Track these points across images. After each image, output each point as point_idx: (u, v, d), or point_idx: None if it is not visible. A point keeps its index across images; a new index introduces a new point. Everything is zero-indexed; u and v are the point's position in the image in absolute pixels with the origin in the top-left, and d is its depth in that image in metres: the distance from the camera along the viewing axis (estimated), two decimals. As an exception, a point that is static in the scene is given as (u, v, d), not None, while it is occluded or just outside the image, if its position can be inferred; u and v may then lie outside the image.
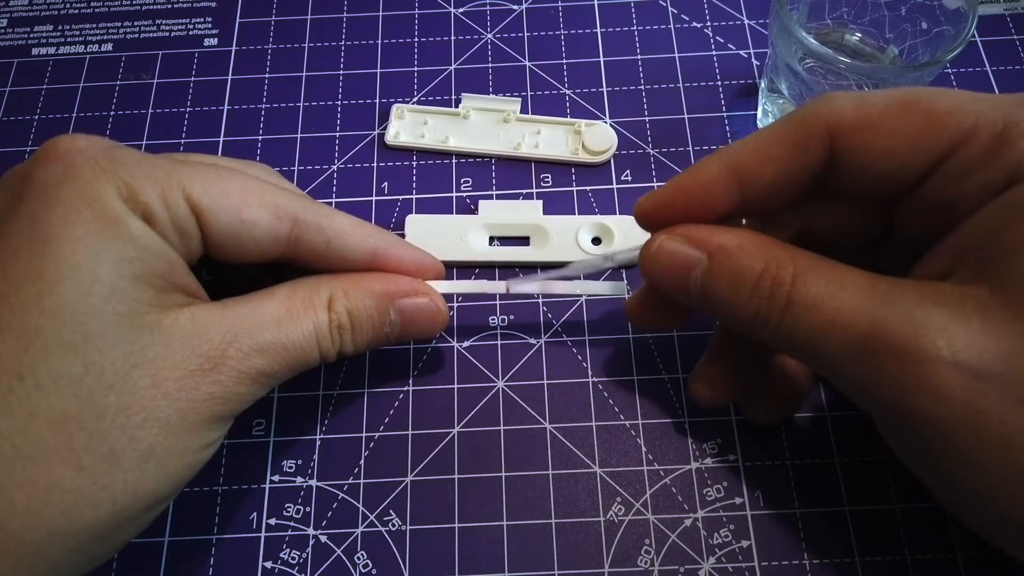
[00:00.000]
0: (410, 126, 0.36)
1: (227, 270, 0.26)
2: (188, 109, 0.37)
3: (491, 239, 0.33)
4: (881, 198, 0.23)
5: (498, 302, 0.32)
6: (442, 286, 0.28)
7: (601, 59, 0.38)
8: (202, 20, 0.40)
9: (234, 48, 0.39)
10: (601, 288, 0.30)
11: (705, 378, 0.27)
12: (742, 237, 0.23)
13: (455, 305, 0.32)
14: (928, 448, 0.20)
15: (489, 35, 0.39)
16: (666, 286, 0.24)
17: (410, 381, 0.31)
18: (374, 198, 0.35)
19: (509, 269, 0.33)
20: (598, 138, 0.35)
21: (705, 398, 0.28)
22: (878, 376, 0.20)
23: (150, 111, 0.37)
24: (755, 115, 0.36)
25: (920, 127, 0.21)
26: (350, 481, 0.29)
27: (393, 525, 0.28)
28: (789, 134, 0.23)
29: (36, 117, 0.37)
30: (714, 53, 0.38)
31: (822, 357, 0.21)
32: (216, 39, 0.39)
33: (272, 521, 0.28)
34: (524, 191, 0.35)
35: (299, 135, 0.36)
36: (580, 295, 0.32)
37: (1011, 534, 0.20)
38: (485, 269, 0.33)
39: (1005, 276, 0.19)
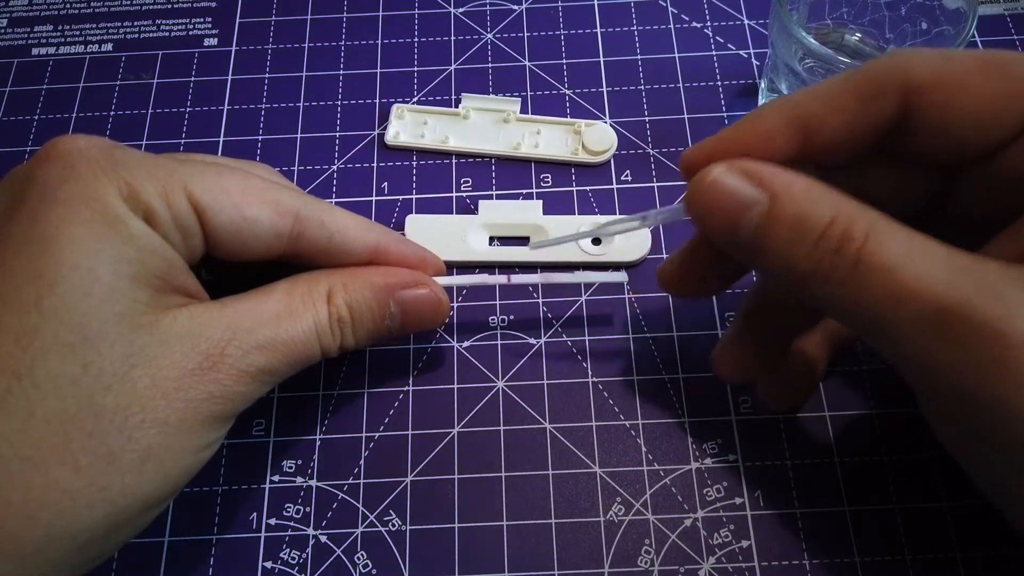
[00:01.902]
0: (410, 126, 0.36)
1: (228, 269, 0.26)
2: (188, 109, 0.37)
3: (491, 239, 0.33)
4: (948, 164, 0.22)
5: (498, 302, 0.32)
6: (442, 280, 0.28)
7: (601, 59, 0.38)
8: (202, 20, 0.40)
9: (234, 48, 0.39)
10: (603, 276, 0.30)
11: (728, 354, 0.27)
12: (810, 182, 0.21)
13: (455, 305, 0.32)
14: (997, 438, 0.19)
15: (489, 35, 0.39)
16: (713, 227, 0.22)
17: (410, 381, 0.31)
18: (374, 198, 0.35)
19: (509, 269, 0.33)
20: (598, 138, 0.35)
21: (728, 373, 0.27)
22: (953, 355, 0.18)
23: (150, 111, 0.37)
24: (755, 115, 0.36)
25: (1005, 90, 0.20)
26: (350, 481, 0.29)
27: (393, 525, 0.28)
28: (860, 85, 0.21)
29: (36, 117, 0.37)
30: (714, 53, 0.38)
31: (886, 327, 0.19)
32: (216, 39, 0.39)
33: (272, 521, 0.28)
34: (524, 191, 0.35)
35: (299, 135, 0.36)
36: (580, 282, 0.31)
37: None
38: (485, 269, 0.33)
39: None
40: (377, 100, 0.37)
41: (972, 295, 0.18)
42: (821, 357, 0.28)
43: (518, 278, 0.29)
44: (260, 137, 0.36)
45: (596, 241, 0.33)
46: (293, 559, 0.28)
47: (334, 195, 0.35)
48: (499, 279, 0.29)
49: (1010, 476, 0.19)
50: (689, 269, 0.26)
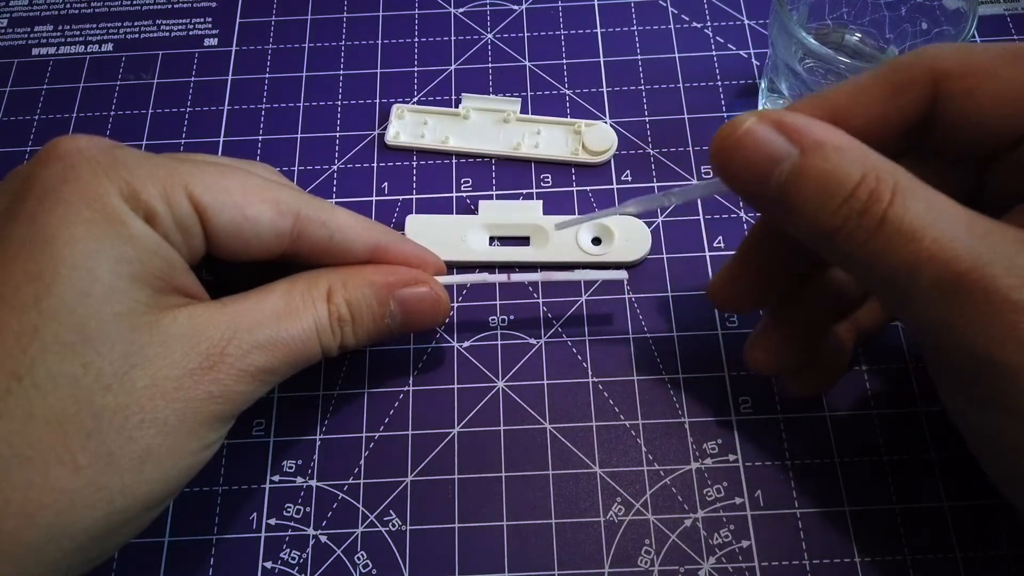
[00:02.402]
0: (410, 126, 0.36)
1: (228, 269, 0.26)
2: (188, 109, 0.37)
3: (491, 239, 0.33)
4: (978, 154, 0.22)
5: (498, 302, 0.32)
6: (442, 279, 0.28)
7: (601, 59, 0.38)
8: (202, 20, 0.40)
9: (234, 48, 0.39)
10: (603, 274, 0.30)
11: (763, 344, 0.26)
12: (842, 137, 0.20)
13: (455, 305, 0.32)
14: (1004, 403, 0.19)
15: (489, 35, 0.39)
16: (740, 179, 0.21)
17: (410, 381, 0.31)
18: (374, 198, 0.35)
19: (509, 269, 0.33)
20: (598, 138, 0.35)
21: (762, 365, 0.27)
22: (966, 320, 0.19)
23: (150, 111, 0.37)
24: (755, 115, 0.36)
25: None
26: (350, 481, 0.29)
27: (393, 525, 0.28)
28: (888, 77, 0.21)
29: (36, 117, 0.37)
30: (714, 53, 0.38)
31: (904, 288, 0.19)
32: (216, 39, 0.39)
33: (272, 521, 0.28)
34: (524, 191, 0.35)
35: (299, 135, 0.36)
36: (580, 280, 0.31)
37: None
38: (485, 269, 0.33)
39: None
40: (377, 100, 0.37)
41: (989, 262, 0.18)
42: (849, 343, 0.28)
43: (518, 276, 0.29)
44: (260, 137, 0.36)
45: (596, 241, 0.33)
46: (293, 559, 0.28)
47: (334, 195, 0.35)
48: (499, 277, 0.29)
49: (1012, 447, 0.20)
50: (740, 282, 0.26)
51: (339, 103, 0.37)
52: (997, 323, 0.18)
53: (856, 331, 0.28)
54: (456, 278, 0.29)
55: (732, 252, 0.32)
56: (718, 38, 0.38)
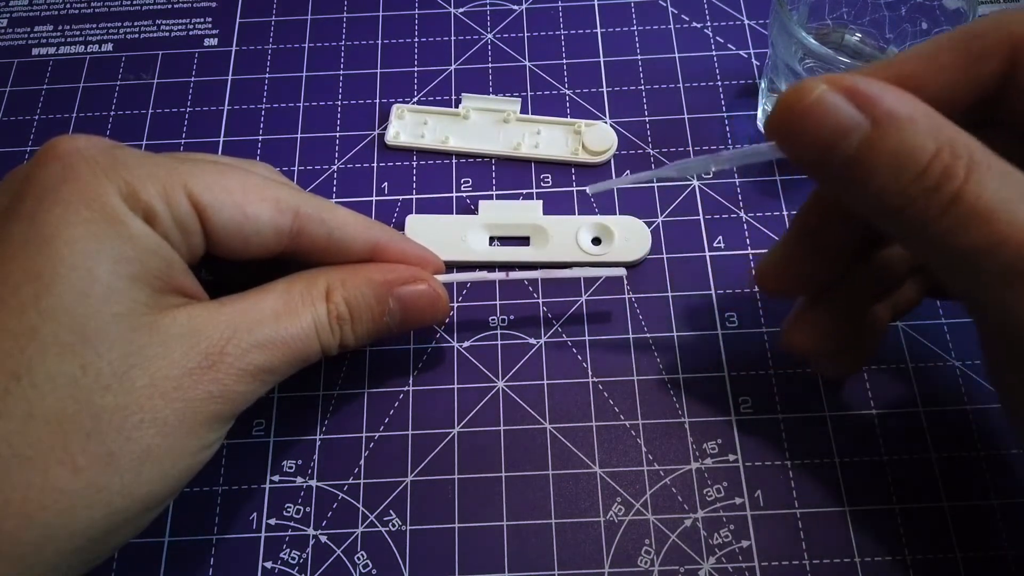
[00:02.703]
0: (410, 126, 0.36)
1: (228, 269, 0.26)
2: (188, 109, 0.37)
3: (491, 239, 0.33)
4: None
5: (498, 302, 0.32)
6: (441, 277, 0.28)
7: (601, 59, 0.38)
8: (202, 20, 0.40)
9: (234, 48, 0.39)
10: (601, 271, 0.30)
11: (803, 326, 0.25)
12: (916, 107, 0.19)
13: (455, 305, 0.32)
14: None
15: (489, 35, 0.39)
16: (804, 149, 0.20)
17: (410, 381, 0.31)
18: (374, 198, 0.35)
19: (509, 269, 0.33)
20: (598, 138, 0.35)
21: (801, 346, 0.25)
22: None
23: (150, 111, 0.37)
24: (755, 115, 0.36)
25: None
26: (350, 481, 0.29)
27: (393, 525, 0.28)
28: (964, 42, 0.20)
29: (36, 117, 0.37)
30: (714, 53, 0.38)
31: (973, 270, 0.19)
32: (216, 39, 0.39)
33: (272, 521, 0.28)
34: (524, 191, 0.35)
35: (299, 135, 0.36)
36: (579, 277, 0.31)
37: None
38: (485, 269, 0.33)
39: None
40: (377, 100, 0.37)
41: None
42: (886, 322, 0.27)
43: (516, 274, 0.29)
44: (260, 137, 0.36)
45: (596, 241, 0.33)
46: (293, 559, 0.28)
47: (334, 195, 0.35)
48: (498, 275, 0.29)
49: None
50: (791, 265, 0.25)
51: (339, 103, 0.37)
52: None
53: (892, 309, 0.27)
54: (455, 276, 0.29)
55: (732, 252, 0.32)
56: (718, 38, 0.38)
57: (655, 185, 0.34)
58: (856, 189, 0.20)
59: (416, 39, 0.39)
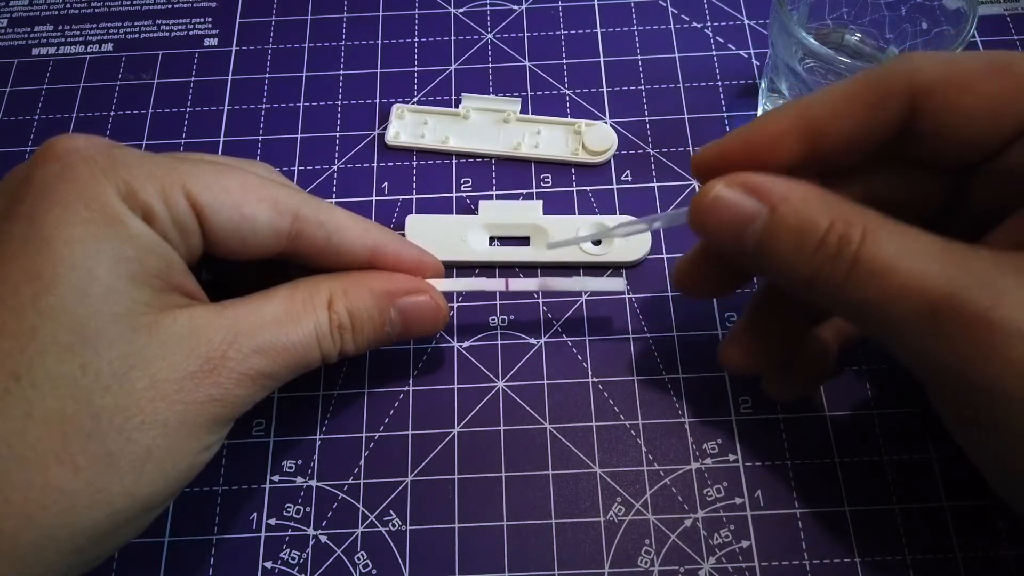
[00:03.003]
0: (410, 126, 0.36)
1: (227, 269, 0.26)
2: (188, 109, 0.37)
3: (491, 239, 0.33)
4: (957, 165, 0.22)
5: (498, 302, 0.32)
6: (441, 284, 0.28)
7: (601, 59, 0.38)
8: (202, 20, 0.40)
9: (234, 48, 0.39)
10: (600, 285, 0.30)
11: (738, 343, 0.26)
12: (807, 189, 0.21)
13: (455, 305, 0.32)
14: (991, 422, 0.19)
15: (489, 35, 0.39)
16: (719, 240, 0.23)
17: (410, 381, 0.31)
18: (374, 198, 0.35)
19: (509, 269, 0.33)
20: (598, 138, 0.35)
21: (736, 364, 0.27)
22: (947, 345, 0.19)
23: (150, 111, 0.37)
24: (755, 115, 0.36)
25: (1008, 91, 0.20)
26: (350, 481, 0.29)
27: (393, 525, 0.28)
28: (868, 89, 0.21)
29: (36, 117, 0.37)
30: (714, 53, 0.38)
31: (886, 322, 0.20)
32: (216, 39, 0.39)
33: (272, 521, 0.28)
34: (524, 191, 0.35)
35: (299, 135, 0.36)
36: (580, 292, 0.32)
37: None
38: (485, 269, 0.33)
39: None
40: (377, 100, 0.37)
41: (963, 287, 0.19)
42: (832, 349, 0.28)
43: (516, 284, 0.29)
44: (260, 137, 0.36)
45: (597, 241, 0.33)
46: (293, 559, 0.28)
47: (334, 195, 0.35)
48: (497, 284, 0.29)
49: (1005, 460, 0.20)
50: (699, 270, 0.26)
51: (339, 103, 0.37)
52: (977, 347, 0.19)
53: (841, 336, 0.28)
54: (455, 285, 0.29)
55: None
56: (718, 38, 0.38)
57: (655, 185, 0.34)
58: (771, 267, 0.22)
59: (416, 39, 0.39)
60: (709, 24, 0.39)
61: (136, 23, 0.40)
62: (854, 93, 0.22)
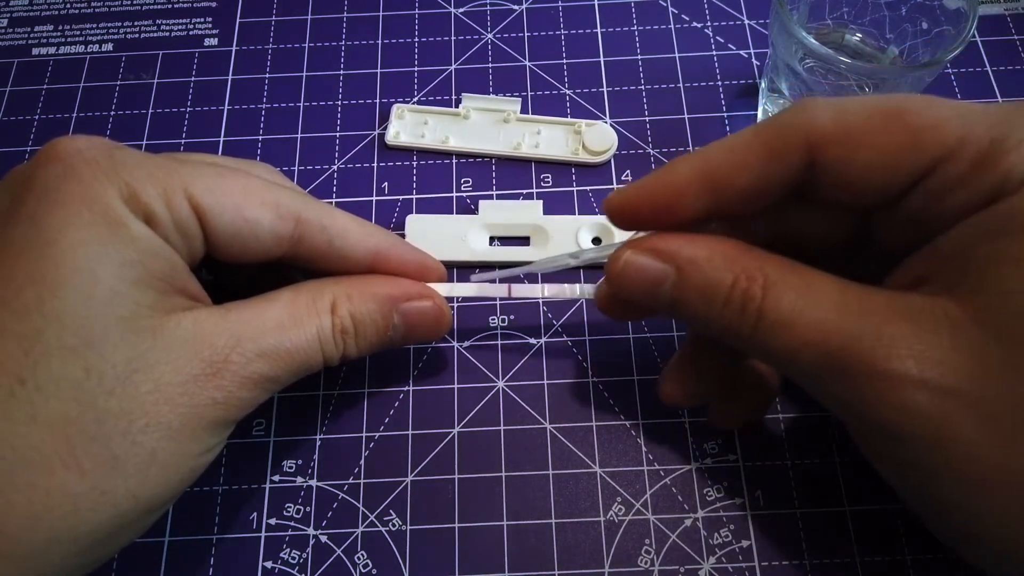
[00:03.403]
0: (410, 126, 0.36)
1: (229, 270, 0.26)
2: (188, 109, 0.37)
3: (491, 239, 0.33)
4: (859, 210, 0.23)
5: (498, 302, 0.32)
6: (443, 288, 0.28)
7: (601, 59, 0.38)
8: (202, 20, 0.40)
9: (234, 48, 0.39)
10: (571, 291, 0.30)
11: (675, 379, 0.27)
12: (711, 247, 0.22)
13: (455, 306, 0.32)
14: (897, 459, 0.20)
15: (489, 35, 0.39)
16: (636, 299, 0.24)
17: (410, 381, 0.31)
18: (374, 198, 0.35)
19: (511, 271, 0.33)
20: (598, 138, 0.35)
21: (675, 399, 0.27)
22: (847, 391, 0.20)
23: (150, 111, 0.37)
24: (755, 115, 0.36)
25: (902, 142, 0.20)
26: (350, 481, 0.29)
27: (393, 525, 0.28)
28: (765, 142, 0.22)
29: (36, 117, 0.37)
30: (714, 53, 0.38)
31: (793, 369, 0.21)
32: (216, 39, 0.39)
33: (272, 521, 0.28)
34: (524, 191, 0.35)
35: (299, 135, 0.36)
36: (579, 298, 0.31)
37: (974, 545, 0.20)
38: (485, 269, 0.33)
39: (978, 290, 0.19)
40: (377, 100, 0.37)
41: (856, 335, 0.20)
42: (773, 374, 0.28)
43: (518, 289, 0.29)
44: (260, 137, 0.36)
45: (596, 241, 0.33)
46: (293, 559, 0.28)
47: (334, 195, 0.35)
48: (499, 290, 0.29)
49: (916, 493, 0.21)
50: (619, 304, 0.27)
51: (339, 103, 0.37)
52: (873, 393, 0.19)
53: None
54: (458, 289, 0.29)
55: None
56: (718, 38, 0.38)
57: (655, 185, 0.34)
58: (686, 319, 0.24)
59: (416, 39, 0.39)
60: (709, 24, 0.39)
61: (136, 23, 0.40)
62: (753, 146, 0.22)
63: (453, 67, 0.38)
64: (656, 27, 0.39)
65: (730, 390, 0.28)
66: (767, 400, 0.29)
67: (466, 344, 0.31)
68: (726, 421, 0.28)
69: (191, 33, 0.40)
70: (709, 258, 0.22)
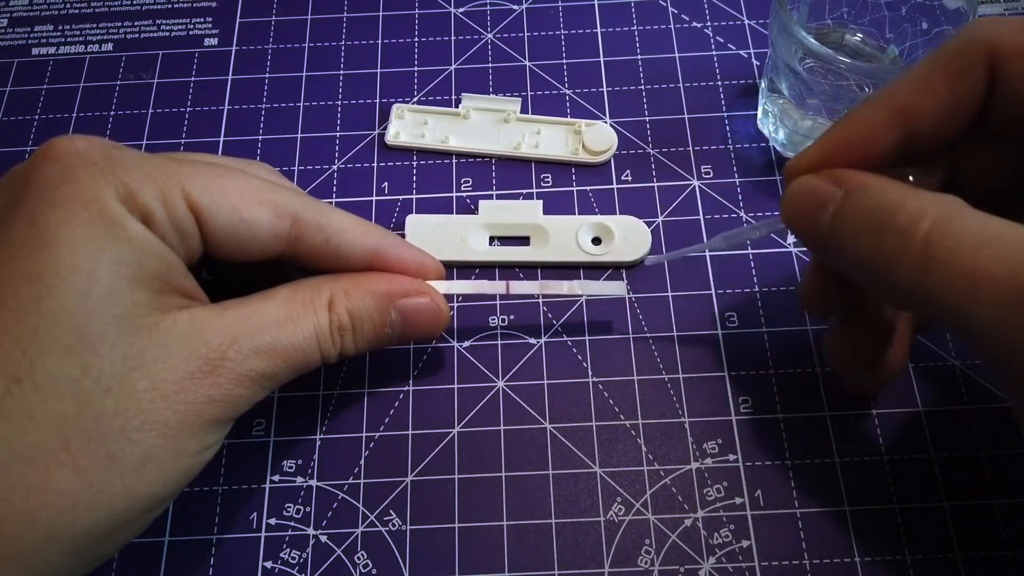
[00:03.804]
0: (410, 126, 0.36)
1: (227, 269, 0.26)
2: (188, 109, 0.37)
3: (491, 239, 0.33)
4: None
5: (498, 302, 0.32)
6: (442, 286, 0.28)
7: (601, 59, 0.38)
8: (202, 20, 0.40)
9: (234, 48, 0.39)
10: (602, 288, 0.30)
11: (837, 340, 0.26)
12: (885, 178, 0.21)
13: (455, 305, 0.32)
14: None
15: (489, 35, 0.39)
16: (798, 226, 0.23)
17: (410, 381, 0.31)
18: (374, 198, 0.35)
19: (509, 269, 0.33)
20: (598, 138, 0.35)
21: (838, 361, 0.27)
22: None
23: (150, 111, 0.37)
24: (755, 115, 0.36)
25: None
26: (350, 481, 0.29)
27: (393, 525, 0.28)
28: (949, 63, 0.21)
29: (36, 117, 0.37)
30: (714, 53, 0.38)
31: (965, 313, 0.19)
32: (216, 39, 0.39)
33: (272, 521, 0.28)
34: (524, 191, 0.35)
35: (299, 135, 0.36)
36: (580, 295, 0.32)
37: None
38: (485, 269, 0.33)
39: None
40: (377, 100, 0.37)
41: None
42: (908, 335, 0.27)
43: (517, 287, 0.29)
44: (260, 137, 0.36)
45: (596, 241, 0.33)
46: (293, 559, 0.28)
47: (334, 195, 0.35)
48: (498, 288, 0.29)
49: None
50: (819, 288, 0.26)
51: (339, 103, 0.37)
52: None
53: (915, 322, 0.28)
54: (455, 287, 0.29)
55: (732, 252, 0.32)
56: (718, 38, 0.38)
57: (655, 185, 0.34)
58: (842, 253, 0.22)
59: (416, 39, 0.39)
60: (709, 24, 0.39)
61: (136, 23, 0.40)
62: (937, 68, 0.22)
63: (453, 67, 0.38)
64: (656, 27, 0.39)
65: (850, 319, 0.26)
66: (900, 364, 0.27)
67: (466, 344, 0.31)
68: (866, 386, 0.28)
69: (191, 33, 0.40)
70: (880, 183, 0.21)
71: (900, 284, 0.20)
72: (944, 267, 0.19)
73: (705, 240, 0.29)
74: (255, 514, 0.29)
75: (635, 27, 0.39)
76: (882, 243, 0.20)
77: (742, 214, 0.33)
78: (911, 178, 0.23)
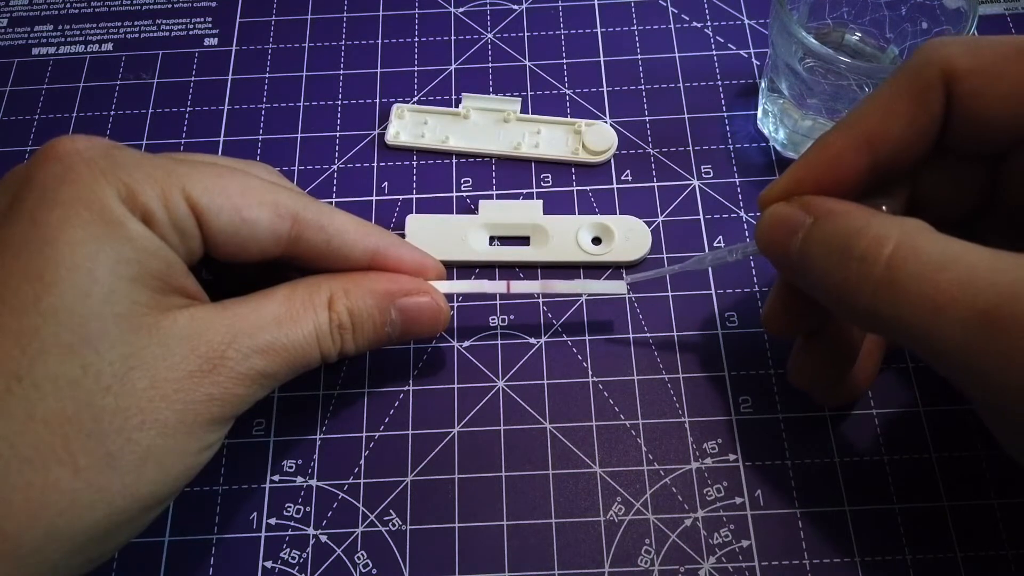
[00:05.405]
0: (410, 126, 0.36)
1: (228, 270, 0.26)
2: (188, 109, 0.37)
3: (491, 239, 0.33)
4: (992, 152, 0.22)
5: (498, 302, 0.32)
6: (442, 286, 0.28)
7: (601, 59, 0.38)
8: (202, 20, 0.40)
9: (234, 48, 0.39)
10: (602, 288, 0.30)
11: (801, 361, 0.27)
12: (852, 204, 0.22)
13: (455, 305, 0.32)
14: None
15: (489, 35, 0.39)
16: (771, 253, 0.24)
17: (410, 381, 0.31)
18: (374, 198, 0.35)
19: (509, 269, 0.33)
20: (598, 138, 0.35)
21: (799, 383, 0.27)
22: (1002, 358, 0.17)
23: (150, 111, 0.37)
24: (755, 115, 0.36)
25: None
26: (350, 481, 0.29)
27: (393, 525, 0.28)
28: (907, 86, 0.22)
29: (36, 117, 0.37)
30: (714, 53, 0.38)
31: (928, 335, 0.19)
32: (216, 39, 0.39)
33: (272, 521, 0.28)
34: (524, 191, 0.35)
35: (299, 135, 0.36)
36: (580, 295, 0.32)
37: None
38: (485, 269, 0.33)
39: None
40: (377, 100, 0.37)
41: (1017, 294, 0.17)
42: (877, 351, 0.28)
43: (517, 286, 0.29)
44: (260, 137, 0.36)
45: (596, 240, 0.33)
46: (293, 559, 0.28)
47: (334, 195, 0.35)
48: (498, 287, 0.29)
49: None
50: (785, 310, 0.26)
51: (339, 103, 0.37)
52: None
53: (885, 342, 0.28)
54: (455, 286, 0.29)
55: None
56: (718, 38, 0.38)
57: (655, 185, 0.34)
58: (810, 277, 0.22)
59: (416, 39, 0.39)
60: (709, 24, 0.39)
61: (136, 23, 0.40)
62: (896, 92, 0.22)
63: (453, 67, 0.38)
64: (656, 27, 0.39)
65: (814, 340, 0.27)
66: (868, 379, 0.28)
67: (466, 344, 0.31)
68: (834, 400, 0.28)
69: (191, 33, 0.40)
70: (846, 209, 0.22)
71: (864, 308, 0.20)
72: (905, 291, 0.19)
73: (694, 256, 0.29)
74: (255, 514, 0.29)
75: (635, 27, 0.39)
76: (846, 268, 0.21)
77: (742, 214, 0.33)
78: (884, 208, 0.24)
